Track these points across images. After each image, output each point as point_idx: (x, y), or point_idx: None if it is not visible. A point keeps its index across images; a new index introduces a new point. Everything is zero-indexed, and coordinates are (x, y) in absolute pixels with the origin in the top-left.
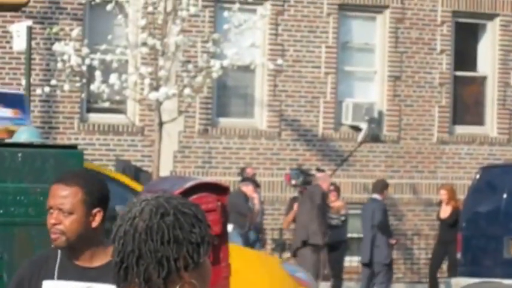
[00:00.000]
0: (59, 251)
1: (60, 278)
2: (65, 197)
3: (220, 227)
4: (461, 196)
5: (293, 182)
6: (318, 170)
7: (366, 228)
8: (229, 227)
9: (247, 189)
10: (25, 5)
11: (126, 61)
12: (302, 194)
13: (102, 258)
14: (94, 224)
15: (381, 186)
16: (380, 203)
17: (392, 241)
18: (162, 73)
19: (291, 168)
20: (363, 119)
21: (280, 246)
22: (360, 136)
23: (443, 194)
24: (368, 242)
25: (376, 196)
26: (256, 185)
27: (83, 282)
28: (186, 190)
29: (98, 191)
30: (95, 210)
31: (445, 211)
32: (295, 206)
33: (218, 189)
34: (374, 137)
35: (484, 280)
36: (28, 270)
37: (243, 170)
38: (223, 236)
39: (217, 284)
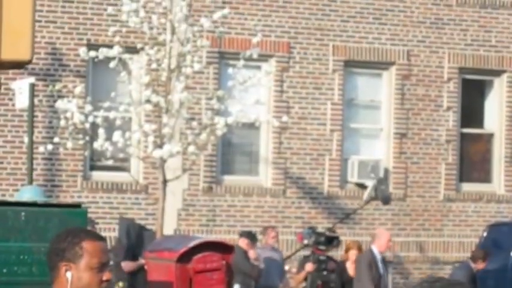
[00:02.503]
0: None
1: None
2: (108, 253)
3: (225, 286)
4: (469, 254)
5: (305, 241)
6: (330, 229)
7: None
8: (236, 287)
9: (243, 243)
10: (28, 63)
11: (130, 118)
12: (314, 253)
13: None
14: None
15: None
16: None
17: None
18: (166, 130)
19: (306, 228)
20: (368, 176)
21: None
22: (366, 194)
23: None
24: None
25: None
26: (253, 239)
27: None
28: (190, 249)
29: None
30: None
31: None
32: (307, 266)
33: (223, 248)
34: (385, 199)
35: None
36: None
37: (265, 229)
38: None
39: None
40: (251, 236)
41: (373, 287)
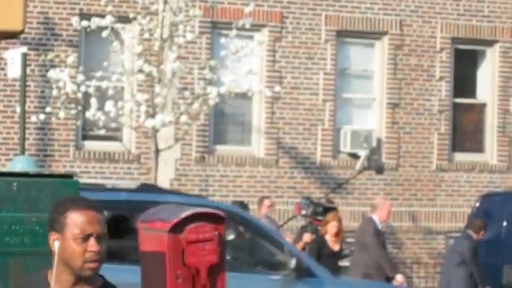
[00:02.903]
0: (48, 276)
1: None
2: (101, 223)
3: (218, 256)
4: (461, 224)
5: (303, 212)
6: (328, 201)
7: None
8: None
9: None
10: (20, 33)
11: (122, 88)
12: (311, 224)
13: (92, 285)
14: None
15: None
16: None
17: None
18: (158, 100)
19: (302, 197)
20: (361, 146)
21: None
22: (359, 164)
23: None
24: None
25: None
26: (245, 209)
27: None
28: (182, 220)
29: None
30: None
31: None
32: (305, 236)
33: (215, 219)
34: (378, 169)
35: None
36: None
37: (261, 199)
38: (221, 266)
39: None
40: (242, 206)
41: (385, 252)
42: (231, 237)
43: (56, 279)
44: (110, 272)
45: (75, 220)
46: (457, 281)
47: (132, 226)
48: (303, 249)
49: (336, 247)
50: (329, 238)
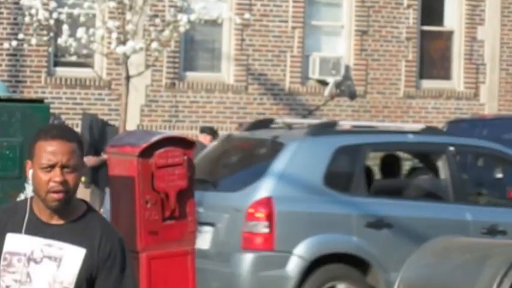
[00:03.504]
0: (28, 205)
1: (26, 232)
2: (70, 153)
3: (187, 181)
4: None
5: None
6: None
7: None
8: None
9: (205, 139)
10: None
11: (94, 15)
12: None
13: (70, 214)
14: (82, 179)
15: None
16: None
17: None
18: (129, 27)
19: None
20: (329, 73)
21: None
22: (327, 90)
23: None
24: None
25: None
26: (215, 135)
27: (44, 238)
28: (152, 144)
29: (82, 144)
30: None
31: None
32: None
33: (184, 143)
34: (351, 95)
35: None
36: None
37: (240, 125)
38: (190, 191)
39: (183, 238)
40: (212, 132)
41: None
42: (499, 175)
43: (37, 208)
44: (389, 207)
45: (42, 149)
46: None
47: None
48: None
49: None
50: None
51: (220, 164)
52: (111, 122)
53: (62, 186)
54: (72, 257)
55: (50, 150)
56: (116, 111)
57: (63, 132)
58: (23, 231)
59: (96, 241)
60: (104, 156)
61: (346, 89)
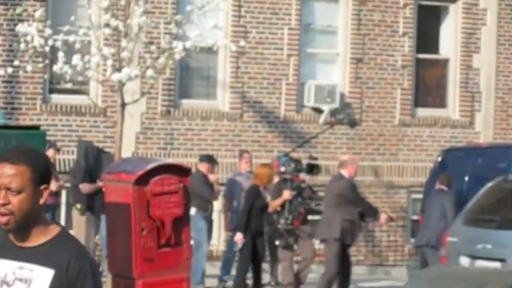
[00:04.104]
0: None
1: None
2: (13, 175)
3: (182, 208)
4: (423, 178)
5: (282, 168)
6: (311, 157)
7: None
8: (192, 210)
9: (203, 167)
10: None
11: (89, 42)
12: (292, 181)
13: (41, 237)
14: (41, 201)
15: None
16: (450, 195)
17: None
18: (124, 54)
19: (281, 155)
20: (325, 101)
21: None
22: (322, 118)
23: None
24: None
25: (444, 188)
26: (213, 163)
27: (16, 261)
28: (147, 172)
29: (44, 167)
30: (42, 187)
31: None
32: (285, 193)
33: (180, 171)
34: (351, 123)
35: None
36: None
37: (241, 153)
38: (185, 218)
39: (179, 266)
40: (211, 160)
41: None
42: None
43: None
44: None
45: None
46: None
47: None
48: (282, 206)
49: None
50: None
51: (504, 204)
52: (107, 149)
53: (5, 209)
54: (41, 278)
55: None
56: (111, 139)
57: (12, 155)
58: None
59: (65, 262)
60: (99, 183)
61: (346, 117)
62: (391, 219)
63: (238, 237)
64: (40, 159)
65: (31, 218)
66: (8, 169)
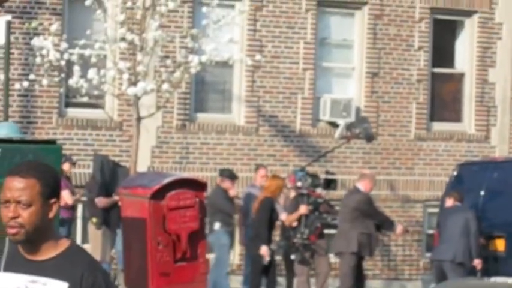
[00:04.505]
0: (7, 243)
1: (6, 270)
2: (23, 189)
3: (198, 223)
4: (439, 193)
5: (299, 183)
6: (327, 172)
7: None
8: (217, 225)
9: (224, 182)
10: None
11: (105, 56)
12: (309, 196)
13: (52, 251)
14: (51, 215)
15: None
16: (472, 211)
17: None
18: (140, 68)
19: (297, 169)
20: (340, 115)
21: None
22: (337, 132)
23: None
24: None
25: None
26: (233, 178)
27: (28, 275)
28: (164, 186)
29: (54, 181)
30: (51, 201)
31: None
32: (302, 208)
33: (196, 185)
34: (368, 137)
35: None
36: None
37: (257, 167)
38: (201, 232)
39: (195, 280)
40: (232, 175)
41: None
42: None
43: (20, 246)
44: None
45: (4, 185)
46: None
47: None
48: (298, 221)
49: None
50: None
51: None
52: (122, 163)
53: (15, 222)
54: None
55: (6, 186)
56: (126, 153)
57: (22, 169)
58: (2, 268)
59: (78, 275)
60: (115, 197)
61: (362, 132)
62: (406, 230)
63: (264, 250)
64: (50, 173)
65: (41, 231)
66: (18, 183)
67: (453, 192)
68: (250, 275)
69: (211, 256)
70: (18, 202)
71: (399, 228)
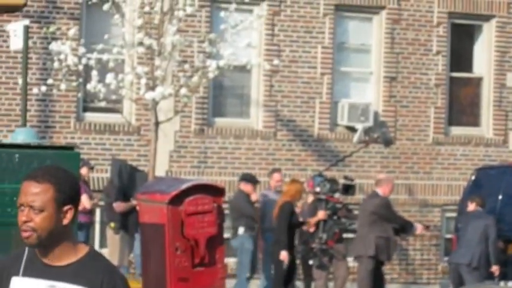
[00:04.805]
0: (26, 248)
1: (25, 275)
2: (36, 194)
3: (216, 228)
4: (457, 197)
5: (317, 189)
6: (346, 178)
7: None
8: (241, 230)
9: (245, 187)
10: (23, 6)
11: (123, 61)
12: (328, 201)
13: (71, 256)
14: (65, 222)
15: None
16: (492, 218)
17: None
18: (158, 73)
19: (315, 175)
20: (358, 119)
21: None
22: (356, 137)
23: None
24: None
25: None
26: (255, 182)
27: (47, 280)
28: (182, 192)
29: (70, 188)
30: (66, 208)
31: None
32: (320, 213)
33: (214, 191)
34: (387, 141)
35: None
36: (1, 266)
37: (272, 172)
38: (219, 238)
39: (213, 285)
40: (253, 179)
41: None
42: None
43: (38, 251)
44: None
45: (20, 190)
46: (485, 256)
47: None
48: (317, 226)
49: None
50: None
51: None
52: (140, 168)
53: (27, 226)
54: None
55: (22, 190)
56: (145, 157)
57: (38, 174)
58: (21, 273)
59: (98, 280)
60: (133, 202)
61: (381, 136)
62: (427, 227)
63: (284, 255)
64: (67, 179)
65: (54, 236)
66: (33, 187)
67: (475, 197)
68: (273, 280)
69: (230, 261)
70: (31, 207)
71: (419, 228)
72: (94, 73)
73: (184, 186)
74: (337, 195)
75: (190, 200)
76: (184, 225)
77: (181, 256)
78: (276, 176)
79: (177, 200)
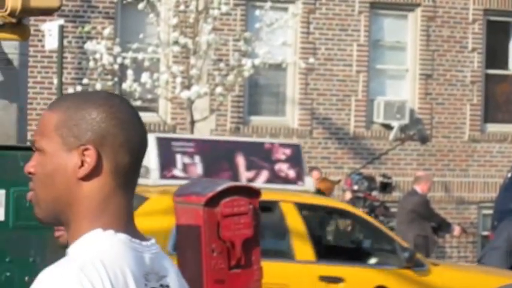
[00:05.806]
0: None
1: None
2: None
3: (252, 230)
4: (493, 194)
5: (355, 187)
6: (384, 176)
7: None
8: None
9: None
10: (57, 9)
11: (158, 60)
12: (366, 199)
13: None
14: None
15: None
16: None
17: None
18: (193, 72)
19: (353, 173)
20: (394, 117)
21: None
22: (392, 134)
23: None
24: None
25: None
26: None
27: None
28: (217, 193)
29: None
30: None
31: None
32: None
33: (249, 192)
34: (423, 139)
35: None
36: None
37: (311, 170)
38: (255, 239)
39: (249, 287)
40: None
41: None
42: None
43: None
44: None
45: None
46: None
47: None
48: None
49: None
50: None
51: None
52: None
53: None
54: None
55: None
56: None
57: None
58: None
59: None
60: None
61: (417, 133)
62: (464, 231)
63: None
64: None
65: None
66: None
67: None
68: None
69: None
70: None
71: (457, 230)
72: (129, 72)
73: (220, 188)
74: (374, 193)
75: (226, 202)
76: (221, 226)
77: (218, 258)
78: (315, 174)
79: (213, 201)
